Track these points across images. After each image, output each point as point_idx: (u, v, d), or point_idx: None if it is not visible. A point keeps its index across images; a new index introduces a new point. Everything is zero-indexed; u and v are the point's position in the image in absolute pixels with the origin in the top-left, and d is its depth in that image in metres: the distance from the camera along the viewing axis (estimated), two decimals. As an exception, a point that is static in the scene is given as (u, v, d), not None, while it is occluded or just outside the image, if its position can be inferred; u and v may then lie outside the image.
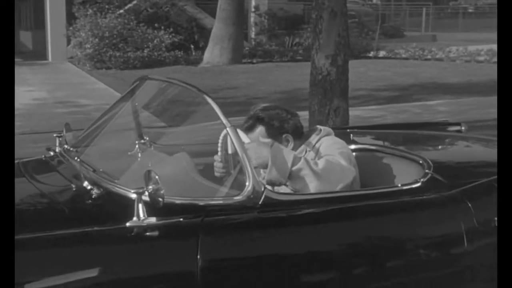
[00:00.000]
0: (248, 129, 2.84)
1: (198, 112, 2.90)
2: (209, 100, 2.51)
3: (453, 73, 15.01)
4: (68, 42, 17.66)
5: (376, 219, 2.51)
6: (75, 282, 2.02)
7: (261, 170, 2.54)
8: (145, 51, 15.78)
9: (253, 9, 20.60)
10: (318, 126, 3.05)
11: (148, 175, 2.19)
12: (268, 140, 2.74)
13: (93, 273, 2.05)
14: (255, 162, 2.47)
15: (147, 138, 3.06)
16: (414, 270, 2.49)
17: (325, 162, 2.60)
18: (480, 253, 2.55)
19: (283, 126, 2.85)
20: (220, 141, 2.81)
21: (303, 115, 9.92)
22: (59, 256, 2.07)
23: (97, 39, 15.40)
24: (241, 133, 2.51)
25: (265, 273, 2.23)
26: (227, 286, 2.17)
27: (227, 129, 2.41)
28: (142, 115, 3.36)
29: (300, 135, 2.91)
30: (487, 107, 10.35)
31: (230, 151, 2.73)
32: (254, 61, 17.28)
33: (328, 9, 6.12)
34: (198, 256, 2.11)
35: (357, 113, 8.69)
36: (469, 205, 2.56)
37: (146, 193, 2.18)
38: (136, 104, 3.28)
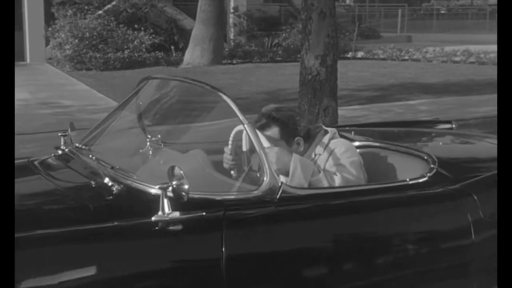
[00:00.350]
0: (261, 128, 2.85)
1: (208, 110, 2.95)
2: (224, 97, 2.57)
3: (430, 73, 15.28)
4: (46, 43, 17.52)
5: (388, 212, 2.60)
6: (104, 273, 2.06)
7: (281, 176, 2.60)
8: (126, 52, 15.77)
9: (232, 10, 20.66)
10: (322, 126, 3.09)
11: (172, 171, 2.24)
12: (288, 149, 2.76)
13: (121, 266, 2.10)
14: (275, 166, 2.54)
15: (159, 136, 3.10)
16: (425, 261, 2.58)
17: (340, 179, 2.71)
18: (486, 244, 2.65)
19: (296, 129, 2.90)
20: (232, 135, 2.87)
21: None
22: (87, 250, 2.11)
23: (77, 40, 15.33)
24: (260, 136, 2.54)
25: (286, 264, 2.30)
26: (250, 277, 2.24)
27: (245, 125, 2.47)
28: (148, 115, 3.40)
29: (309, 138, 2.96)
30: (467, 106, 10.58)
31: (244, 149, 2.79)
32: (234, 62, 17.37)
33: (318, 10, 6.24)
34: (223, 249, 2.17)
35: (341, 113, 8.79)
36: (475, 198, 2.67)
37: (170, 188, 2.23)
38: (140, 103, 3.31)
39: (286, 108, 2.98)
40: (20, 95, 11.46)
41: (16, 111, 9.38)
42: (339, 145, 2.91)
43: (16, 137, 8.11)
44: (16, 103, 10.47)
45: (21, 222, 2.26)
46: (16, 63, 16.09)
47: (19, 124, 8.75)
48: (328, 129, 3.04)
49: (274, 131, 2.86)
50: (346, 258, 2.44)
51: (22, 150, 7.00)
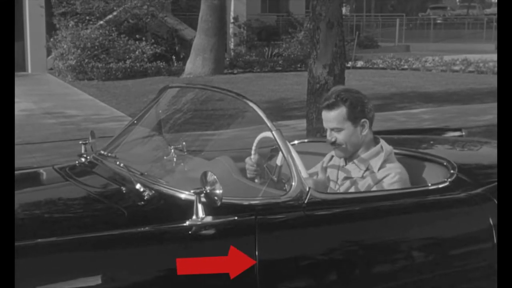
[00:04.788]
0: (329, 107, 2.89)
1: (232, 117, 3.01)
2: (251, 104, 2.63)
3: (431, 82, 15.39)
4: (48, 54, 17.60)
5: (412, 217, 2.65)
6: (140, 276, 2.11)
7: None
8: (127, 62, 15.84)
9: (232, 20, 20.77)
10: (380, 139, 3.00)
11: (205, 176, 2.29)
12: (324, 179, 2.71)
13: (157, 269, 2.14)
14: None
15: (184, 143, 3.15)
16: (448, 264, 2.63)
17: None
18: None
19: (364, 111, 2.90)
20: (255, 142, 2.93)
21: (292, 123, 10.05)
22: (124, 254, 2.16)
23: (79, 51, 15.42)
24: (298, 162, 2.51)
25: (316, 268, 2.35)
26: (282, 281, 2.29)
27: (273, 132, 2.51)
28: (169, 123, 3.45)
29: (371, 125, 2.95)
30: (469, 115, 10.66)
31: (279, 163, 2.85)
32: (235, 71, 17.46)
33: (325, 20, 6.31)
34: (257, 253, 2.22)
35: (346, 121, 8.86)
36: (496, 202, 2.72)
37: (203, 193, 2.28)
38: (160, 111, 3.36)
39: (354, 90, 2.98)
40: (24, 105, 11.53)
41: (21, 121, 9.52)
42: (390, 172, 2.85)
43: (23, 147, 8.17)
44: (21, 113, 10.57)
45: (56, 227, 2.33)
46: (17, 73, 16.34)
47: (26, 133, 8.82)
48: (385, 145, 2.97)
49: (341, 110, 2.87)
50: (373, 261, 2.49)
51: (30, 159, 7.05)
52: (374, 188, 2.82)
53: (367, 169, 2.90)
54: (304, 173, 2.49)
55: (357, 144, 2.92)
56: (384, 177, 2.84)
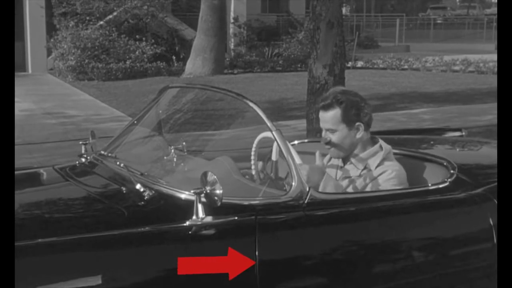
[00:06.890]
0: (325, 108, 2.90)
1: (232, 117, 3.00)
2: (251, 104, 2.63)
3: (431, 83, 15.39)
4: (48, 54, 17.61)
5: (412, 217, 2.66)
6: (140, 276, 2.11)
7: None
8: (127, 62, 15.85)
9: (232, 20, 20.78)
10: (379, 139, 3.01)
11: (205, 176, 2.29)
12: (321, 165, 2.74)
13: (157, 269, 2.14)
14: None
15: (184, 143, 3.15)
16: (448, 264, 2.64)
17: None
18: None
19: (359, 114, 2.89)
20: (255, 142, 2.93)
21: (292, 124, 10.04)
22: (124, 254, 2.16)
23: (79, 51, 15.43)
24: (294, 153, 2.54)
25: (316, 268, 2.35)
26: (282, 282, 2.29)
27: (273, 132, 2.52)
28: (169, 123, 3.46)
29: (369, 128, 2.96)
30: (469, 115, 10.66)
31: (274, 158, 2.85)
32: (235, 71, 17.46)
33: (326, 20, 6.30)
34: (257, 253, 2.22)
35: (346, 122, 8.84)
36: (496, 202, 2.72)
37: (204, 193, 2.28)
38: (160, 111, 3.36)
39: (353, 92, 2.97)
40: (25, 105, 11.53)
41: (21, 121, 9.52)
42: (387, 169, 2.86)
43: (23, 147, 8.15)
44: (21, 113, 10.57)
45: (56, 227, 2.33)
46: (18, 73, 16.33)
47: (26, 133, 8.82)
48: (384, 145, 2.98)
49: (336, 112, 2.87)
50: (373, 261, 2.49)
51: (30, 159, 7.05)
52: (370, 185, 2.83)
53: (365, 167, 2.90)
54: (298, 160, 2.50)
55: (351, 146, 2.93)
56: (381, 174, 2.84)
